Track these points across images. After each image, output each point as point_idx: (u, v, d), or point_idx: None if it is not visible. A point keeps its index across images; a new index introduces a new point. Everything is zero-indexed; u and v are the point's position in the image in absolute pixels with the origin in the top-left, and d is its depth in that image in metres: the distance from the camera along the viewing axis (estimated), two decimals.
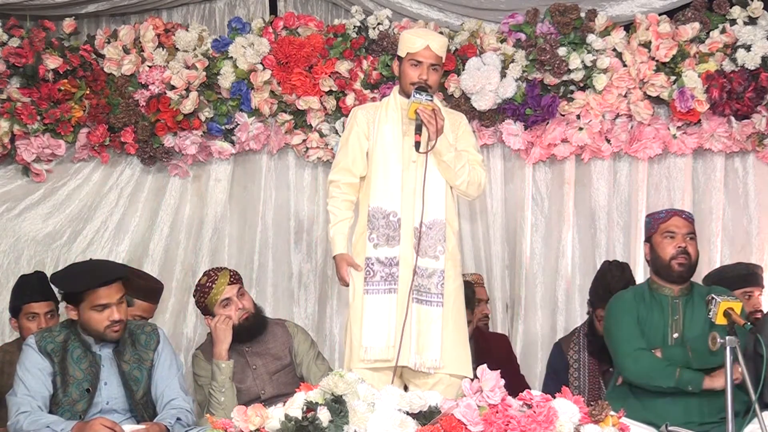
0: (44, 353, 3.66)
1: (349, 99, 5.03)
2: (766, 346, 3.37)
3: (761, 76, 4.88)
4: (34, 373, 3.63)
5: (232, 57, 5.06)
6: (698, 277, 4.21)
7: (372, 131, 3.89)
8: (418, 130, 3.73)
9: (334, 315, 5.24)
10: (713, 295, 3.55)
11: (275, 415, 2.91)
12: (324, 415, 2.85)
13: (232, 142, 5.18)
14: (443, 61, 3.91)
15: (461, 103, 5.00)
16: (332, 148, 5.06)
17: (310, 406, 2.91)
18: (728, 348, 3.31)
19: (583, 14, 5.03)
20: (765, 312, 4.42)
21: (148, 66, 5.07)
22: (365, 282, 3.78)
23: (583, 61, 4.96)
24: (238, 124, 5.13)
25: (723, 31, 4.99)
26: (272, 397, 4.09)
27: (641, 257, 5.04)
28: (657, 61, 4.97)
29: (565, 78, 5.01)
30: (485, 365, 2.97)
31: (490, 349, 4.66)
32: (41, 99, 5.00)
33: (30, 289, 4.39)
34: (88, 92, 5.06)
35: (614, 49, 5.01)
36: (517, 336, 5.19)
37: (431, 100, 3.75)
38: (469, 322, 4.05)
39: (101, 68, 5.09)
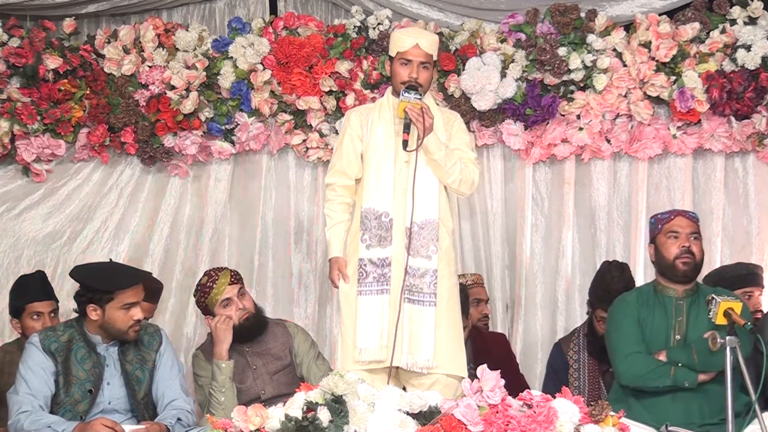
0: (48, 352, 3.66)
1: (349, 99, 5.03)
2: (766, 346, 3.37)
3: (761, 76, 4.88)
4: (37, 372, 3.64)
5: (232, 57, 5.06)
6: (700, 278, 4.21)
7: (365, 133, 3.89)
8: (407, 128, 3.73)
9: (334, 315, 5.22)
10: (713, 295, 3.54)
11: (275, 415, 2.92)
12: (324, 415, 2.86)
13: (232, 142, 5.18)
14: (434, 59, 3.90)
15: (461, 103, 4.99)
16: (332, 149, 5.05)
17: (311, 406, 2.91)
18: (728, 348, 3.31)
19: (583, 14, 5.02)
20: (765, 312, 4.42)
21: (148, 66, 5.07)
22: (359, 283, 3.78)
23: (583, 61, 4.96)
24: (238, 124, 5.13)
25: (723, 31, 4.98)
26: (272, 397, 4.09)
27: (641, 257, 5.05)
28: (657, 61, 4.97)
29: (565, 78, 5.01)
30: (485, 365, 2.96)
31: (488, 348, 4.65)
32: (41, 99, 4.99)
33: (33, 288, 4.40)
34: (88, 92, 5.05)
35: (614, 49, 5.00)
36: (517, 336, 5.18)
37: (420, 99, 3.75)
38: (464, 328, 4.02)
39: (101, 68, 5.09)
